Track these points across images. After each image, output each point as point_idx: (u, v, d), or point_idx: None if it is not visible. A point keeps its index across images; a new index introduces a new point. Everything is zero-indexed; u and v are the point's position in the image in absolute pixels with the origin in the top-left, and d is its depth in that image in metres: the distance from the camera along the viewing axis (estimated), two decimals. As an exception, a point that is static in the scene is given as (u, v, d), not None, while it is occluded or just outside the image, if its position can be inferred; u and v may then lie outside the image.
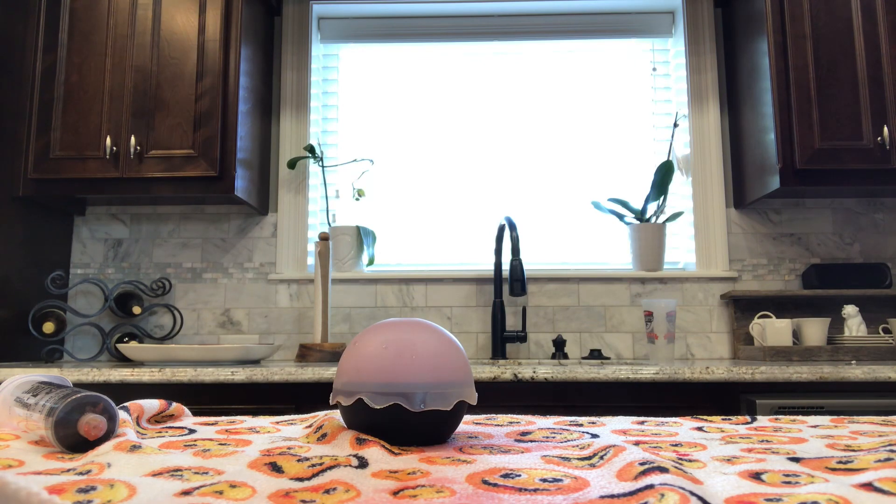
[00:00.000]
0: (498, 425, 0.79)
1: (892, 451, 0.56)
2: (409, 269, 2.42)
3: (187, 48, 2.11)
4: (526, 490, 0.47)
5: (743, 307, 2.28)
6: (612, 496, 0.44)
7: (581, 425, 0.79)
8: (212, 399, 1.71)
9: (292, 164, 2.35)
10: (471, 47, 2.55)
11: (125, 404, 0.75)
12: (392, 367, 0.64)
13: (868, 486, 0.45)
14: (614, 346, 2.30)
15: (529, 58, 2.54)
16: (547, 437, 0.70)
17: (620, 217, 2.35)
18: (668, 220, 2.32)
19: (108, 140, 2.05)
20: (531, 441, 0.68)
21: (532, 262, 2.42)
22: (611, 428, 0.78)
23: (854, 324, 2.09)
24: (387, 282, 2.34)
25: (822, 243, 2.34)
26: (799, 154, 2.00)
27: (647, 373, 1.66)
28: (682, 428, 0.78)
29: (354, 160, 2.47)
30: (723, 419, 0.85)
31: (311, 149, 2.38)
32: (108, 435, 0.62)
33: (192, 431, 0.74)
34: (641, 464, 0.49)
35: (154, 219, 2.40)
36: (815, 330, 2.06)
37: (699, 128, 2.41)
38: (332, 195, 2.47)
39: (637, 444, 0.67)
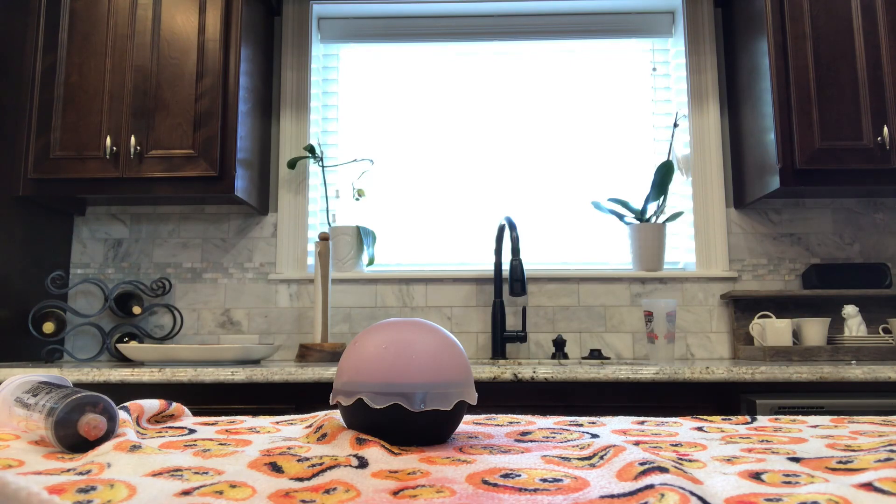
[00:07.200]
0: (498, 425, 0.79)
1: (892, 451, 0.56)
2: (409, 269, 2.42)
3: (187, 48, 2.11)
4: (526, 490, 0.47)
5: (743, 307, 2.28)
6: (612, 496, 0.44)
7: (581, 425, 0.79)
8: (212, 399, 1.71)
9: (292, 164, 2.35)
10: (471, 47, 2.55)
11: (125, 404, 0.75)
12: (392, 367, 0.64)
13: (868, 486, 0.45)
14: (614, 346, 2.30)
15: (529, 58, 2.54)
16: (547, 437, 0.70)
17: (620, 217, 2.35)
18: (668, 220, 2.32)
19: (108, 140, 2.05)
20: (531, 441, 0.68)
21: (532, 262, 2.42)
22: (611, 428, 0.78)
23: (854, 324, 2.09)
24: (387, 282, 2.34)
25: (822, 243, 2.34)
26: (799, 154, 2.00)
27: (647, 373, 1.66)
28: (682, 428, 0.78)
29: (354, 160, 2.47)
30: (723, 419, 0.85)
31: (311, 149, 2.38)
32: (108, 435, 0.62)
33: (192, 431, 0.74)
34: (641, 464, 0.49)
35: (154, 219, 2.40)
36: (815, 330, 2.06)
37: (699, 128, 2.41)
38: (332, 195, 2.47)
39: (637, 444, 0.67)
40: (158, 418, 0.81)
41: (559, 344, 2.23)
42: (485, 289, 2.34)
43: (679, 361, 1.91)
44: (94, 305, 2.36)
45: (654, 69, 2.52)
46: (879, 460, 0.52)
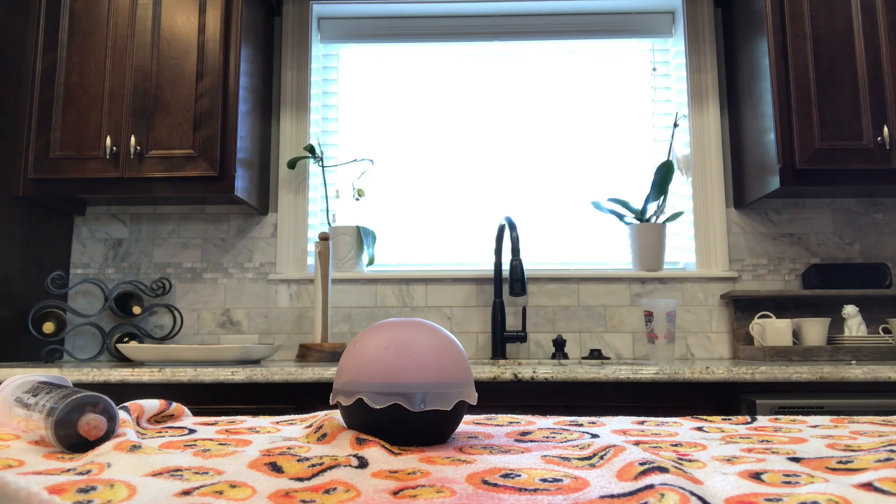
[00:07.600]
0: (498, 425, 0.79)
1: (892, 451, 0.56)
2: (409, 269, 2.42)
3: (187, 48, 2.11)
4: (526, 490, 0.47)
5: (743, 307, 2.28)
6: (612, 496, 0.44)
7: (581, 425, 0.79)
8: (212, 399, 1.71)
9: (292, 164, 2.35)
10: (471, 47, 2.55)
11: (125, 404, 0.75)
12: (392, 367, 0.64)
13: (868, 486, 0.45)
14: (614, 346, 2.30)
15: (529, 58, 2.54)
16: (547, 437, 0.70)
17: (620, 217, 2.35)
18: (668, 220, 2.32)
19: (108, 140, 2.05)
20: (531, 441, 0.68)
21: (532, 262, 2.42)
22: (611, 428, 0.78)
23: (854, 324, 2.09)
24: (387, 282, 2.34)
25: (822, 243, 2.34)
26: (799, 154, 2.00)
27: (647, 373, 1.66)
28: (682, 428, 0.78)
29: (354, 160, 2.47)
30: (723, 419, 0.85)
31: (311, 149, 2.38)
32: (108, 435, 0.62)
33: (192, 431, 0.74)
34: (641, 464, 0.49)
35: (154, 219, 2.40)
36: (815, 330, 2.06)
37: (699, 128, 2.41)
38: (332, 195, 2.47)
39: (637, 444, 0.67)
40: (158, 418, 0.81)
41: (559, 344, 2.23)
42: (485, 289, 2.34)
43: (679, 361, 1.91)
44: (94, 305, 2.36)
45: (654, 69, 2.52)
46: (879, 460, 0.52)
